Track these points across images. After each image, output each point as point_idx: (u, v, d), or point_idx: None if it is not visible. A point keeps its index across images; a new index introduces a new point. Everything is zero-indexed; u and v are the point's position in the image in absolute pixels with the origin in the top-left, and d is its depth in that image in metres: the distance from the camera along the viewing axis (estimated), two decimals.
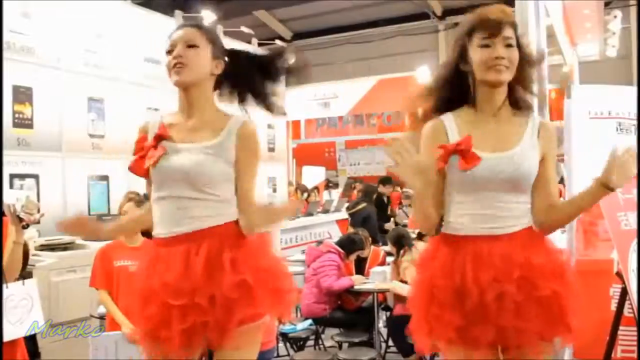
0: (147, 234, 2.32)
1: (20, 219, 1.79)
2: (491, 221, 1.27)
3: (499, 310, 1.20)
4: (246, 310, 1.26)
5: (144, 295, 1.31)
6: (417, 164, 1.21)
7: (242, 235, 1.34)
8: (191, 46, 1.35)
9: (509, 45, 1.27)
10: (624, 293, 1.87)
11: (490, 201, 1.27)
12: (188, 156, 1.32)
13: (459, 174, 1.28)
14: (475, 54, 1.27)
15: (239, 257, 1.30)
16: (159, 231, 1.36)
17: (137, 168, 1.37)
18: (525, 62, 1.31)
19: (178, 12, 5.79)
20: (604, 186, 1.26)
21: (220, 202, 1.34)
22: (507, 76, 1.28)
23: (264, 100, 1.45)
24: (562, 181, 5.14)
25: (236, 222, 1.35)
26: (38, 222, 1.89)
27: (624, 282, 1.86)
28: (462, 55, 1.31)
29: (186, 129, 1.36)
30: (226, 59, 1.43)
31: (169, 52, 1.37)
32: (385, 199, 6.13)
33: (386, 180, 6.13)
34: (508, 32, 1.27)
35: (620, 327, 1.90)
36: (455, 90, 1.34)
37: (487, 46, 1.26)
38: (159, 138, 1.35)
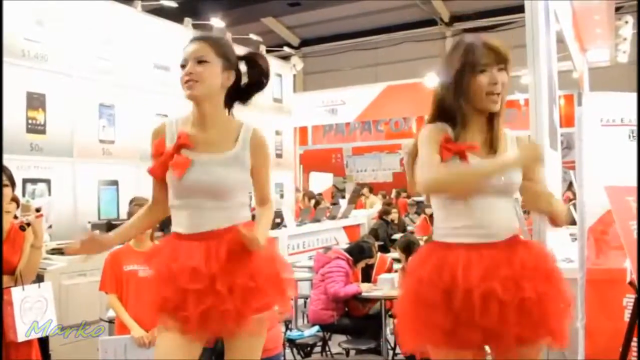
0: (163, 227, 2.38)
1: (23, 224, 1.84)
2: (485, 227, 1.32)
3: (484, 310, 1.23)
4: (260, 300, 1.36)
5: (161, 277, 1.38)
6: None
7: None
8: (202, 62, 1.40)
9: (501, 70, 1.34)
10: (638, 303, 1.83)
11: (483, 206, 1.32)
12: (211, 169, 1.39)
13: None
14: (475, 80, 1.32)
15: (255, 252, 1.38)
16: (179, 230, 1.43)
17: (158, 173, 1.43)
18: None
19: (187, 20, 5.86)
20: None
21: (237, 207, 1.43)
22: (499, 106, 1.35)
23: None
24: (570, 187, 5.10)
25: (250, 222, 1.44)
26: (40, 217, 1.93)
27: (637, 292, 1.83)
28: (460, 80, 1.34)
29: (203, 140, 1.42)
30: (243, 65, 1.48)
31: (183, 66, 1.42)
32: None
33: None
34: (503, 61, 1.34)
35: (634, 338, 1.86)
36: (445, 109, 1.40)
37: (484, 71, 1.33)
38: (180, 147, 1.40)
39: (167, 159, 1.39)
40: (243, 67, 1.49)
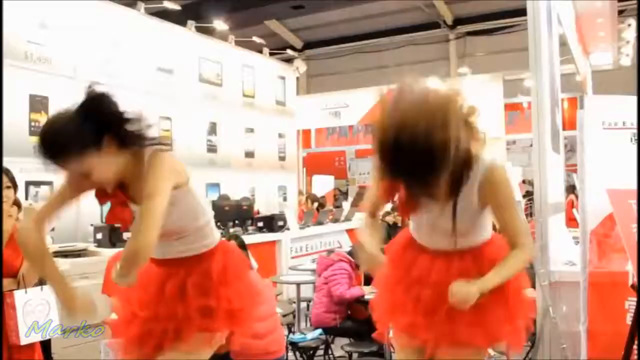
0: None
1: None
2: (438, 243, 1.41)
3: (415, 308, 1.37)
4: (202, 321, 1.39)
5: (122, 302, 1.55)
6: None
7: (212, 261, 1.45)
8: (81, 173, 1.38)
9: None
10: None
11: (435, 234, 1.41)
12: None
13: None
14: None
15: (205, 282, 1.42)
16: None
17: (114, 221, 1.50)
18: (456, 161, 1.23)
19: (190, 22, 5.89)
20: None
21: (197, 234, 1.46)
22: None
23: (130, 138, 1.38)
24: (573, 190, 5.07)
25: (209, 251, 1.46)
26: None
27: (639, 295, 1.82)
28: None
29: (133, 193, 1.41)
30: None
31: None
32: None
33: None
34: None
35: (636, 341, 1.85)
36: None
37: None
38: (122, 204, 1.43)
39: (116, 210, 1.44)
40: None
